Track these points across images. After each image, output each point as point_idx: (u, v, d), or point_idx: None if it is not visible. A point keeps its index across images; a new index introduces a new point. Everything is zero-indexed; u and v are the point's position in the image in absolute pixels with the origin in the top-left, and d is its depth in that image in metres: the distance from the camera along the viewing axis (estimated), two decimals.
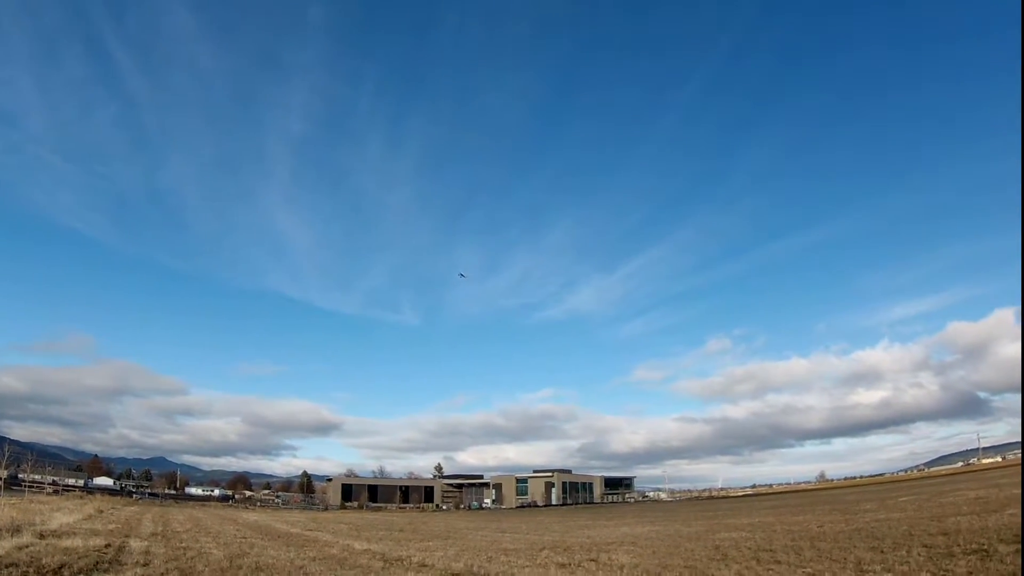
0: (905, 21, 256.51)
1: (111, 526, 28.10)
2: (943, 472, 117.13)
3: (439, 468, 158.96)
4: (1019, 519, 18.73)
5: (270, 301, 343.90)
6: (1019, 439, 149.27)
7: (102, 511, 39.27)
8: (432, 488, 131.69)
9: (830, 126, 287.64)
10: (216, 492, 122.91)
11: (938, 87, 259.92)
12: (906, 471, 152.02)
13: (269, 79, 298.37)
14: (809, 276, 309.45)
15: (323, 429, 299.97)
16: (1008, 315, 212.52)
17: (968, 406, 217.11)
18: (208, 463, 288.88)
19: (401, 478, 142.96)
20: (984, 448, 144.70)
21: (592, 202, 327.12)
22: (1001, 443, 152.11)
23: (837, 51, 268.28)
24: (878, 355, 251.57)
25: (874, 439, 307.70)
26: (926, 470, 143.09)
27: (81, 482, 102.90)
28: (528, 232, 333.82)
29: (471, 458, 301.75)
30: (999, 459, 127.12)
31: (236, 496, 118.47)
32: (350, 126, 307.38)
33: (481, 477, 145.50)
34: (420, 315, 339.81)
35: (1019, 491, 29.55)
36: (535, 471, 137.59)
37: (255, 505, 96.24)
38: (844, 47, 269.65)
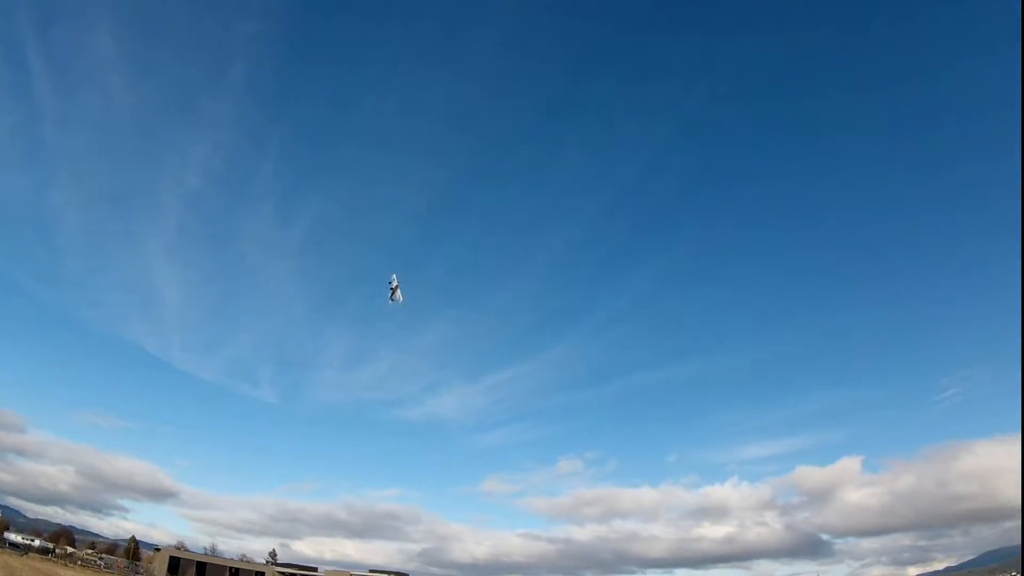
0: (796, 161, 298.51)
1: None
2: None
3: (273, 554, 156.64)
4: None
5: (128, 351, 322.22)
6: None
7: None
8: (263, 573, 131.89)
9: (712, 263, 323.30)
10: (37, 542, 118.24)
11: (809, 233, 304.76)
12: None
13: (177, 123, 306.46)
14: (668, 408, 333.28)
15: (159, 495, 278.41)
16: (854, 463, 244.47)
17: (810, 547, 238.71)
18: (33, 510, 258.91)
19: (233, 559, 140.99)
20: None
21: (471, 308, 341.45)
22: None
23: (729, 186, 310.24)
24: (727, 491, 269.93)
25: (717, 573, 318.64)
26: None
27: None
28: (401, 328, 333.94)
29: (308, 548, 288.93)
30: None
31: (57, 550, 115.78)
32: (247, 190, 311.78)
33: (316, 569, 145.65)
34: (279, 393, 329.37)
35: None
36: (371, 570, 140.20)
37: (76, 563, 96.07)
38: (735, 183, 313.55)
